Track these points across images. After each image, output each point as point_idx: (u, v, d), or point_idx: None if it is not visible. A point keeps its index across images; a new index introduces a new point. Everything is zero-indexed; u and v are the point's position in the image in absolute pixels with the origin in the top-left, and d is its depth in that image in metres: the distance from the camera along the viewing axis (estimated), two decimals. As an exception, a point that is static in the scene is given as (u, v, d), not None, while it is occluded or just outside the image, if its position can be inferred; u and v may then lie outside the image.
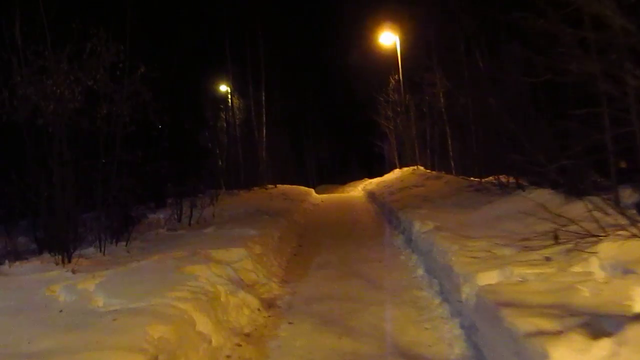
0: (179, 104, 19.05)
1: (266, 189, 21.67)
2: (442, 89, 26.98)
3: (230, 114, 29.09)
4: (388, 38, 27.69)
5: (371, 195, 20.05)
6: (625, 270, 4.30)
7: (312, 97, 44.83)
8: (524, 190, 9.00)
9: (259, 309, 6.11)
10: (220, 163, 26.94)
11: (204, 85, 27.55)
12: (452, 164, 27.16)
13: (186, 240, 8.95)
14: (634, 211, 6.44)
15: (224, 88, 31.08)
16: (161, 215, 14.93)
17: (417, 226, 8.88)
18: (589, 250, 4.77)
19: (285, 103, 36.50)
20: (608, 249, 4.62)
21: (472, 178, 19.16)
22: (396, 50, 27.49)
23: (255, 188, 22.22)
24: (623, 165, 7.29)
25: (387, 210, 13.84)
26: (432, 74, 27.60)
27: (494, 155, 23.59)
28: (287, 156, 38.13)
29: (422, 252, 7.93)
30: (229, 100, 33.28)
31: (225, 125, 31.66)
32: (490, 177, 17.61)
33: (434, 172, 20.05)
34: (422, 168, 25.03)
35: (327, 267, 8.61)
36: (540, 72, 7.19)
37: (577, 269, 4.57)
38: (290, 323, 5.77)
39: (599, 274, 4.42)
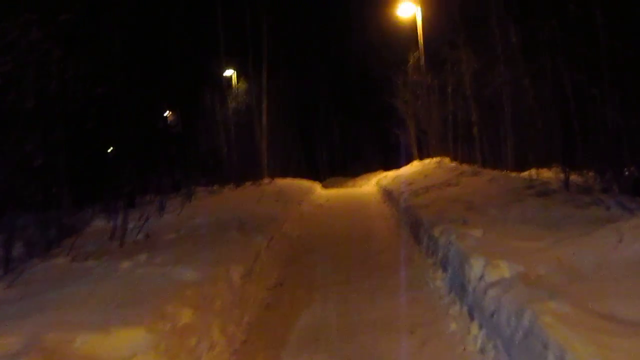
0: (140, 76, 15.33)
1: (259, 184, 17.81)
2: (469, 68, 23.20)
3: (220, 97, 24.95)
4: (407, 9, 23.67)
5: (387, 194, 16.12)
6: None
7: (322, 79, 40.82)
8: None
9: None
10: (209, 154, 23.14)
11: (188, 60, 23.73)
12: (480, 155, 23.35)
13: (73, 290, 5.04)
14: None
15: (218, 67, 27.39)
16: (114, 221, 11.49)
17: (478, 268, 4.97)
18: None
19: (291, 86, 32.84)
20: None
21: (509, 172, 15.35)
22: (416, 23, 23.48)
23: (248, 183, 18.38)
24: None
25: (412, 220, 9.92)
26: (457, 51, 23.79)
27: (536, 145, 20.01)
28: (293, 146, 34.29)
29: (498, 329, 4.03)
30: (229, 81, 29.82)
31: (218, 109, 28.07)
32: (544, 171, 13.80)
33: (466, 166, 16.07)
34: (447, 160, 21.07)
35: (318, 345, 4.75)
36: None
37: None
38: None
39: None
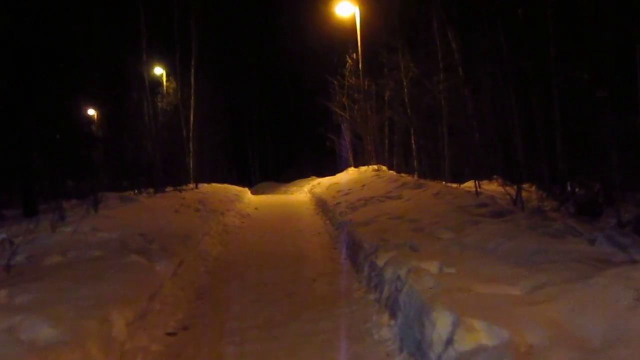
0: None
1: (181, 191, 16.15)
2: (408, 74, 22.24)
3: (146, 96, 22.90)
4: (346, 8, 22.45)
5: (321, 204, 14.83)
6: None
7: (254, 81, 39.32)
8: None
9: None
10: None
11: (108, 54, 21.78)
12: (417, 165, 22.45)
13: None
14: None
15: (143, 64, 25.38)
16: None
17: (444, 327, 3.65)
18: None
19: (221, 88, 31.25)
20: None
21: (451, 184, 14.42)
22: (355, 24, 22.31)
23: (170, 189, 16.73)
24: None
25: (350, 240, 8.63)
26: (396, 55, 22.80)
27: (474, 156, 19.22)
28: (222, 149, 32.65)
29: None
30: (159, 79, 28.05)
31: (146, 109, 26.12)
32: (485, 183, 12.95)
33: (408, 177, 14.93)
34: (385, 168, 19.99)
35: None
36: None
37: None
38: None
39: None
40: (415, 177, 15.23)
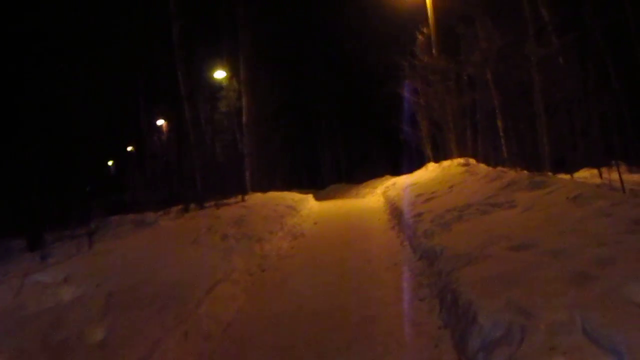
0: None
1: (219, 206, 12.95)
2: (492, 46, 18.63)
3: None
4: (412, -24, 19.00)
5: (397, 215, 11.28)
6: None
7: (320, 73, 36.03)
8: None
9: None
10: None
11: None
12: (506, 153, 18.70)
13: None
14: None
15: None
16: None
17: None
18: None
19: (283, 82, 28.24)
20: None
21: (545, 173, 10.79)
22: (423, -7, 18.81)
23: (210, 203, 13.67)
24: None
25: (447, 291, 5.09)
26: (474, 26, 19.19)
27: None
28: (280, 152, 29.56)
29: None
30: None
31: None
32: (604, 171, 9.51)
33: (511, 171, 11.03)
34: (474, 162, 16.22)
35: None
36: None
37: None
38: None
39: None
40: (521, 170, 11.36)
